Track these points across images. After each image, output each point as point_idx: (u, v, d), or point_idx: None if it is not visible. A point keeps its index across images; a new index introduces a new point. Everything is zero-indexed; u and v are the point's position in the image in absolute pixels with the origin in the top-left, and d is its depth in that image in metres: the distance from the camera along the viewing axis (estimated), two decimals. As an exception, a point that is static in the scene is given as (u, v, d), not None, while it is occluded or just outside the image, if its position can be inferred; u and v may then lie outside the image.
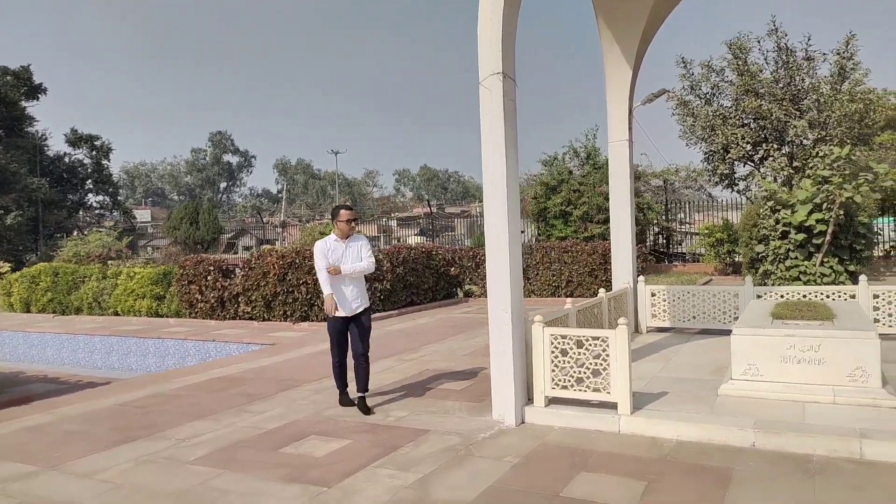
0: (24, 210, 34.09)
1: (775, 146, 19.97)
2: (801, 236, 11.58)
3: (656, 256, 22.34)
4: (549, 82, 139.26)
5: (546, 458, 4.59)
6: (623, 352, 5.11)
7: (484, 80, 5.53)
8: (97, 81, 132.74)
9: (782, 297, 8.51)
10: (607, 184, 10.89)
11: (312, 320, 12.46)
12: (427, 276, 15.49)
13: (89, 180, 43.02)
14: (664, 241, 23.71)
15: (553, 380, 5.43)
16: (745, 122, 20.62)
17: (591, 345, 5.29)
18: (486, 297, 5.75)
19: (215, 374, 8.10)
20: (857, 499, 3.77)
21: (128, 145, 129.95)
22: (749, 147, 20.35)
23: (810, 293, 8.48)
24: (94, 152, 42.73)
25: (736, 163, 21.19)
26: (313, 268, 6.62)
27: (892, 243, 18.92)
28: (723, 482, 4.05)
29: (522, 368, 5.51)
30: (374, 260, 6.13)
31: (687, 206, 25.13)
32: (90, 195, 44.13)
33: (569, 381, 5.37)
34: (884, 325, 8.07)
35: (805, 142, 19.91)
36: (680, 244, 24.29)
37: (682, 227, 24.99)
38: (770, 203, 12.32)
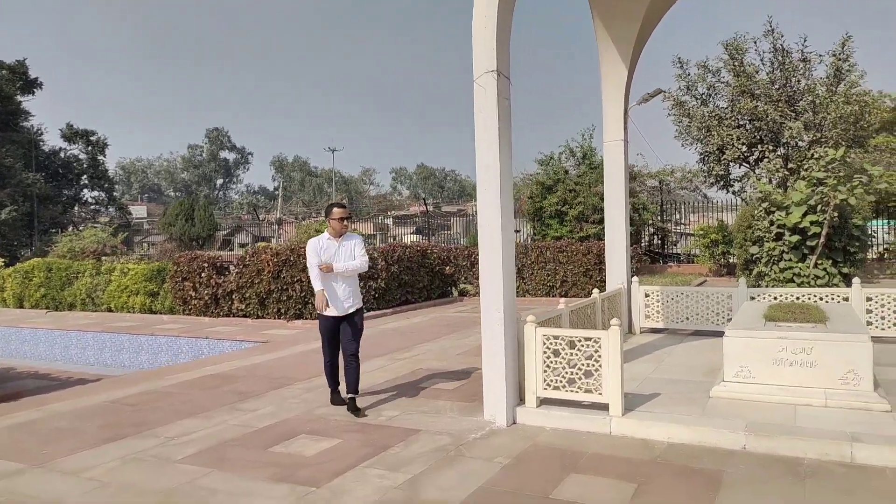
0: (19, 205, 33.97)
1: (770, 147, 20.00)
2: (795, 238, 11.59)
3: (651, 257, 22.36)
4: (547, 81, 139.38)
5: (536, 459, 4.57)
6: (615, 353, 5.10)
7: (478, 77, 5.51)
8: (95, 78, 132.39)
9: (775, 299, 8.52)
10: (603, 184, 10.89)
11: (306, 318, 12.42)
12: (422, 275, 15.47)
13: (85, 176, 42.88)
14: (659, 241, 23.74)
15: (545, 380, 5.42)
16: (741, 123, 20.64)
17: (583, 345, 5.28)
18: (480, 296, 5.73)
19: (208, 372, 8.06)
20: (848, 503, 3.76)
21: (124, 141, 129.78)
22: (744, 148, 20.38)
23: (803, 295, 8.48)
24: (89, 148, 42.58)
25: (731, 164, 21.22)
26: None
27: (885, 246, 18.97)
28: (713, 485, 4.04)
29: (514, 369, 5.49)
30: (367, 259, 6.07)
31: (682, 206, 25.17)
32: (85, 191, 43.99)
33: (560, 381, 5.36)
34: (877, 327, 8.08)
35: (800, 143, 19.94)
36: (675, 245, 24.32)
37: (678, 227, 25.02)
38: (765, 204, 12.33)
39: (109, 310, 15.79)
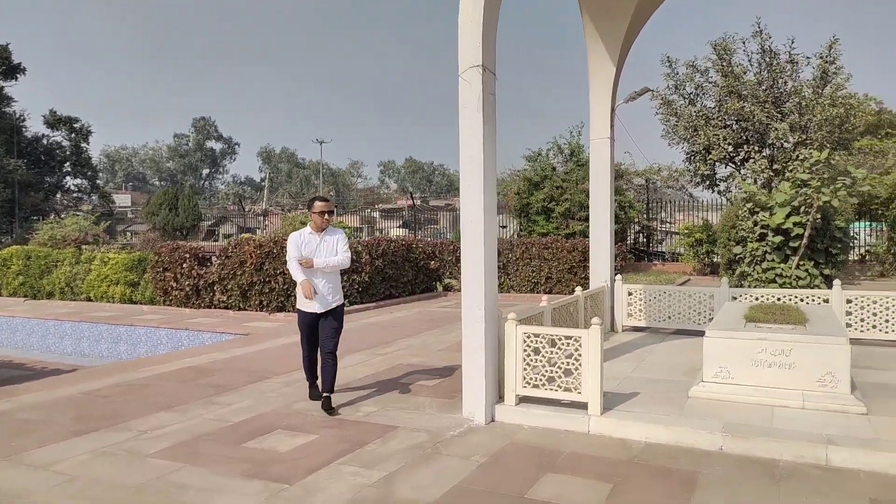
0: (0, 192, 33.41)
1: (756, 148, 20.11)
2: (778, 239, 11.66)
3: (636, 255, 22.45)
4: (536, 77, 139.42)
5: (514, 457, 4.54)
6: (595, 352, 5.07)
7: (463, 72, 5.44)
8: (80, 66, 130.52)
9: (757, 299, 8.55)
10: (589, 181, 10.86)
11: (288, 311, 12.32)
12: (406, 269, 15.39)
13: (67, 163, 42.31)
14: (644, 239, 23.83)
15: (525, 378, 5.38)
16: (728, 123, 20.73)
17: (563, 344, 5.25)
18: (461, 292, 5.67)
19: (186, 364, 7.95)
20: (821, 505, 3.77)
21: (109, 129, 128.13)
22: (730, 148, 20.48)
23: (784, 296, 8.52)
24: (73, 135, 42.01)
25: (717, 164, 21.32)
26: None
27: (867, 248, 19.16)
28: (688, 486, 4.03)
29: (494, 366, 5.45)
30: (349, 255, 5.92)
31: (668, 205, 25.27)
32: (68, 178, 43.42)
33: (540, 380, 5.33)
34: (856, 329, 8.13)
35: (786, 144, 20.08)
36: (660, 243, 24.43)
37: (664, 226, 25.13)
38: (749, 205, 12.38)
39: (89, 299, 15.58)
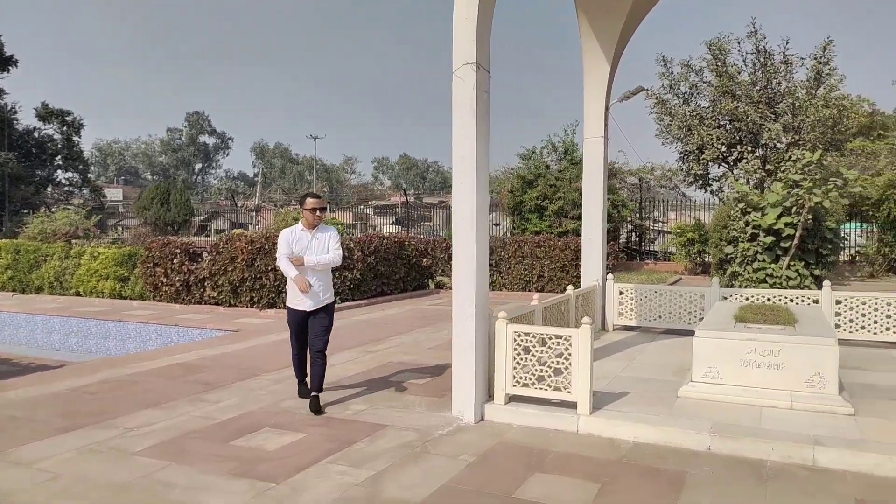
0: (-11, 184, 33.16)
1: (749, 148, 20.16)
2: (769, 239, 11.70)
3: (628, 253, 22.49)
4: (532, 75, 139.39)
5: (502, 457, 4.53)
6: (585, 351, 5.07)
7: (457, 69, 5.41)
8: (74, 59, 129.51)
9: (747, 299, 8.57)
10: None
11: (279, 307, 12.26)
12: (399, 267, 15.36)
13: (59, 156, 42.05)
14: (637, 238, 23.87)
15: (514, 377, 5.37)
16: (721, 123, 20.78)
17: (553, 343, 5.24)
18: (451, 290, 5.65)
19: (174, 360, 7.90)
20: (808, 506, 3.77)
21: (102, 122, 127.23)
22: (724, 148, 20.52)
23: (775, 297, 8.55)
24: (64, 128, 41.76)
25: (710, 164, 21.36)
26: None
27: (857, 248, 19.26)
28: (676, 486, 4.03)
29: (484, 365, 5.44)
30: (341, 253, 5.86)
31: (661, 204, 25.33)
32: (59, 171, 43.16)
33: (530, 379, 5.32)
34: (845, 330, 8.17)
35: (779, 145, 20.13)
36: (653, 242, 24.49)
37: (656, 224, 25.19)
38: (741, 205, 12.42)
39: (78, 294, 15.48)
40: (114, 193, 67.34)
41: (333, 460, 4.44)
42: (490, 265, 15.76)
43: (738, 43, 20.58)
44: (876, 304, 8.09)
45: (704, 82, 21.28)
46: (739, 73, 20.60)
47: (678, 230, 20.25)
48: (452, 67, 5.41)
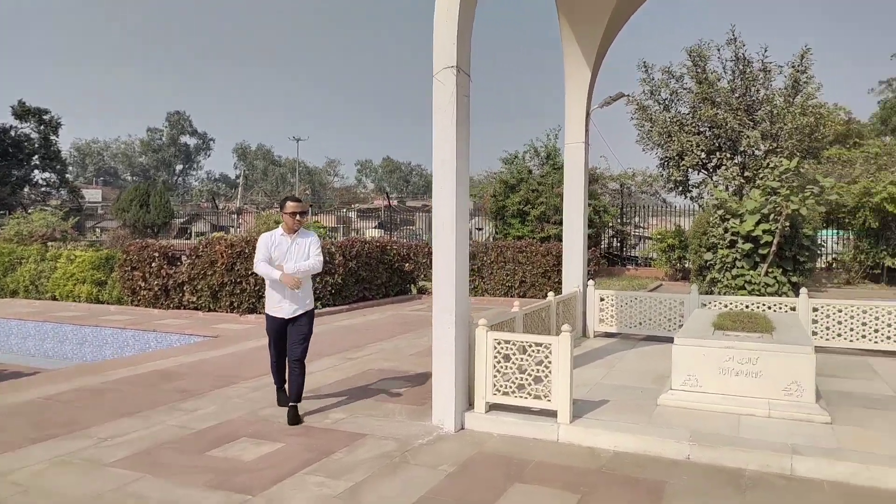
0: (-37, 185, 32.52)
1: (728, 155, 20.39)
2: (748, 246, 11.81)
3: (609, 259, 22.62)
4: (515, 80, 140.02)
5: (482, 467, 4.50)
6: (565, 359, 5.06)
7: (438, 73, 5.40)
8: (52, 56, 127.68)
9: (726, 306, 8.64)
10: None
11: (260, 312, 12.14)
12: (381, 272, 15.30)
13: (36, 156, 41.35)
14: (618, 244, 24.03)
15: (495, 385, 5.36)
16: (701, 129, 20.99)
17: (533, 351, 5.23)
18: (432, 298, 5.60)
19: (151, 367, 7.78)
20: (785, 516, 3.79)
21: (80, 122, 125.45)
22: (703, 155, 20.74)
23: (752, 304, 8.62)
24: (42, 127, 41.09)
25: (690, 170, 21.58)
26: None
27: (834, 255, 19.55)
28: (655, 496, 4.03)
29: (464, 373, 5.41)
30: (321, 259, 5.78)
31: (643, 210, 25.52)
32: (36, 171, 42.44)
33: (510, 387, 5.30)
34: (821, 337, 8.26)
35: (757, 152, 20.39)
36: (634, 248, 24.66)
37: (638, 230, 25.38)
38: (720, 212, 12.54)
39: (54, 298, 15.22)
40: (92, 194, 66.33)
41: (311, 471, 4.38)
42: (472, 270, 15.75)
43: (718, 50, 20.84)
44: (852, 311, 8.19)
45: (685, 89, 21.51)
46: (719, 80, 20.85)
47: (659, 236, 20.41)
48: (433, 71, 5.40)
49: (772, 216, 11.62)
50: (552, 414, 5.16)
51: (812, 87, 20.03)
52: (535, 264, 15.29)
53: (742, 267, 11.97)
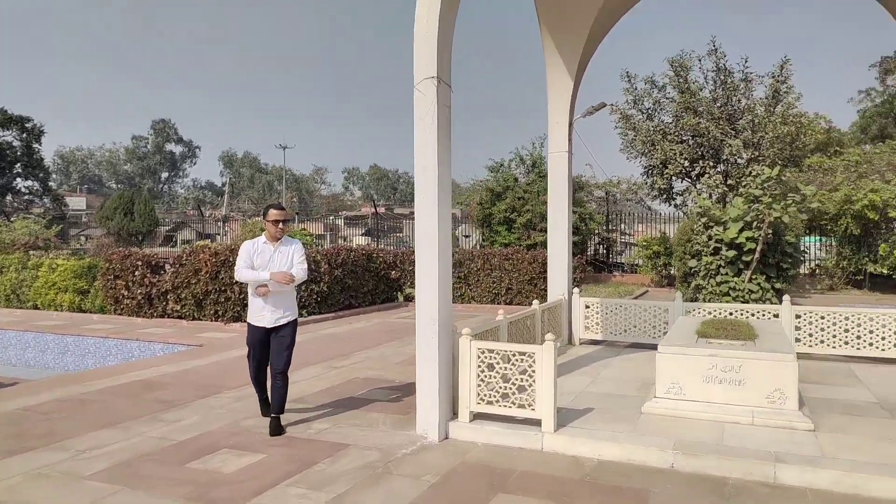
0: (-56, 193, 32.07)
1: (711, 164, 20.58)
2: (731, 253, 11.89)
3: (595, 266, 22.69)
4: (502, 88, 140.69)
5: (465, 477, 4.47)
6: (549, 368, 5.05)
7: (418, 83, 5.40)
8: (35, 63, 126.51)
9: (710, 314, 8.69)
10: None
11: (244, 321, 12.01)
12: (367, 279, 15.25)
13: (18, 164, 40.88)
14: (604, 251, 24.12)
15: (479, 395, 5.34)
16: (684, 138, 21.18)
17: (517, 360, 5.22)
18: (416, 306, 5.57)
19: (133, 377, 7.68)
20: (767, 524, 3.79)
21: (64, 130, 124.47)
22: (686, 163, 20.91)
23: (737, 311, 8.68)
24: (24, 135, 40.64)
25: (674, 178, 21.74)
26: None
27: (817, 262, 19.74)
28: (639, 505, 4.02)
29: (448, 382, 5.39)
30: (305, 267, 5.68)
31: (628, 217, 25.66)
32: (19, 179, 41.95)
33: (494, 396, 5.29)
34: (805, 344, 8.32)
35: (739, 161, 20.59)
36: (620, 254, 24.77)
37: (624, 237, 25.51)
38: (703, 219, 12.61)
39: (36, 307, 15.02)
40: (76, 202, 65.60)
41: (293, 483, 4.33)
42: (459, 278, 15.75)
43: (700, 60, 21.06)
44: (834, 318, 8.26)
45: (667, 98, 21.70)
46: (701, 89, 21.07)
47: (644, 243, 20.52)
48: (414, 82, 5.40)
49: (755, 224, 11.71)
50: (536, 423, 5.15)
51: (792, 96, 20.30)
52: (521, 271, 15.31)
53: (726, 274, 12.04)
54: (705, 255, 12.40)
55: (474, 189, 26.56)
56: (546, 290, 9.93)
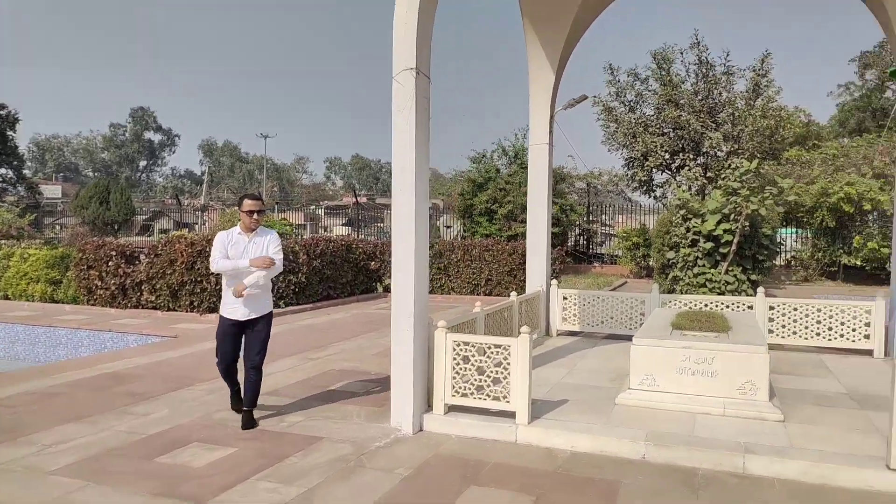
0: (-88, 180, 31.28)
1: (691, 156, 20.73)
2: (709, 245, 11.99)
3: (576, 257, 22.80)
4: (484, 79, 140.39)
5: (438, 470, 4.45)
6: (524, 361, 5.04)
7: (397, 74, 5.33)
8: (9, 49, 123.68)
9: (685, 305, 8.74)
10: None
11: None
12: (346, 270, 15.15)
13: (-9, 151, 40.00)
14: (585, 242, 24.24)
15: (454, 387, 5.32)
16: (665, 131, 21.30)
17: (492, 352, 5.21)
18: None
19: (104, 370, 7.56)
20: (736, 515, 3.82)
21: (40, 117, 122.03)
22: (667, 156, 21.04)
23: (712, 303, 8.74)
24: (-3, 121, 39.74)
25: (654, 170, 21.87)
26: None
27: (793, 253, 20.00)
28: (610, 497, 4.03)
29: (423, 375, 5.36)
30: (281, 258, 5.57)
31: (609, 209, 25.79)
32: (-9, 167, 41.07)
33: (469, 388, 5.27)
34: (778, 335, 8.42)
35: (719, 153, 20.77)
36: (601, 245, 24.91)
37: (605, 228, 25.64)
38: (682, 211, 12.70)
39: (6, 297, 14.72)
40: (52, 191, 64.43)
41: (263, 477, 4.28)
42: (439, 269, 15.72)
43: (682, 53, 21.16)
44: (807, 310, 8.36)
45: (650, 90, 21.78)
46: (683, 82, 21.18)
47: (624, 234, 20.64)
48: (392, 73, 5.33)
49: (732, 216, 11.81)
50: (511, 415, 5.14)
51: (772, 90, 20.50)
52: (501, 262, 15.31)
53: (703, 265, 12.15)
54: (683, 247, 12.49)
55: (456, 180, 26.55)
56: (525, 282, 9.94)
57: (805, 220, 18.76)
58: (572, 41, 9.13)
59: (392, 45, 5.34)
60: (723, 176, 15.59)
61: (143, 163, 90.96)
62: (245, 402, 5.40)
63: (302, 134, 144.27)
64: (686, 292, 11.92)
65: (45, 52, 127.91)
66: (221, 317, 5.54)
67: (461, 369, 5.30)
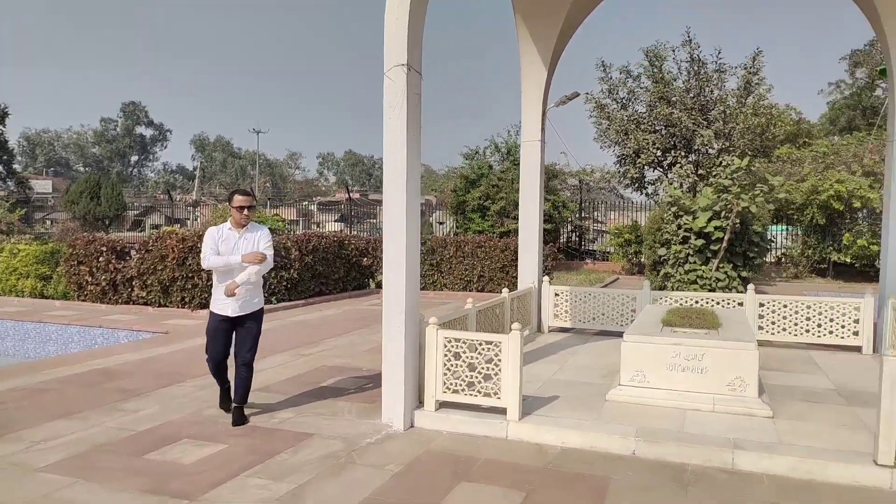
0: None
1: (683, 154, 20.78)
2: (700, 242, 12.04)
3: (568, 253, 22.84)
4: (477, 75, 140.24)
5: (429, 466, 4.46)
6: (515, 357, 5.05)
7: (388, 70, 5.31)
8: (5, 46, 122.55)
9: (676, 302, 8.78)
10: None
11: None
12: (338, 266, 15.12)
13: (-21, 146, 39.69)
14: (577, 238, 24.28)
15: (445, 383, 5.32)
16: (657, 128, 21.35)
17: (483, 349, 5.21)
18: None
19: (94, 366, 7.52)
20: (724, 511, 3.85)
21: (31, 112, 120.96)
22: (659, 153, 21.10)
23: (703, 300, 8.78)
24: (-14, 116, 39.42)
25: (646, 167, 21.92)
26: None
27: (783, 250, 20.11)
28: (600, 492, 4.05)
29: (414, 371, 5.36)
30: (272, 254, 5.54)
31: (601, 206, 25.85)
32: (-20, 162, 40.75)
33: (460, 385, 5.27)
34: (767, 332, 8.47)
35: (710, 151, 20.83)
36: (593, 242, 24.97)
37: (597, 225, 25.70)
38: (674, 209, 12.74)
39: (-5, 293, 14.60)
40: (42, 185, 63.95)
41: (253, 473, 4.27)
42: (431, 265, 15.70)
43: (674, 51, 21.20)
44: (796, 307, 8.41)
45: (642, 88, 21.82)
46: (675, 80, 21.22)
47: (616, 231, 20.69)
48: (384, 69, 5.31)
49: (723, 213, 11.86)
50: (502, 411, 5.15)
51: (763, 88, 20.57)
52: (493, 259, 15.32)
53: (694, 262, 12.20)
54: (674, 244, 12.53)
55: (449, 176, 26.53)
56: (518, 278, 9.96)
57: (795, 217, 18.85)
58: (565, 37, 9.14)
59: (383, 41, 5.33)
60: (714, 173, 15.60)
61: (134, 158, 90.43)
62: (235, 399, 5.37)
63: (295, 130, 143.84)
64: (677, 289, 11.97)
65: (43, 52, 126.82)
66: (212, 313, 5.50)
67: (452, 366, 5.30)
